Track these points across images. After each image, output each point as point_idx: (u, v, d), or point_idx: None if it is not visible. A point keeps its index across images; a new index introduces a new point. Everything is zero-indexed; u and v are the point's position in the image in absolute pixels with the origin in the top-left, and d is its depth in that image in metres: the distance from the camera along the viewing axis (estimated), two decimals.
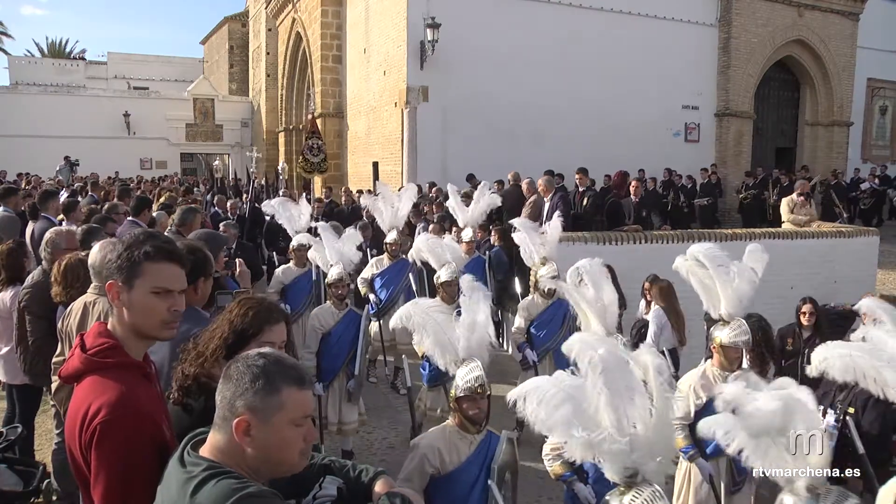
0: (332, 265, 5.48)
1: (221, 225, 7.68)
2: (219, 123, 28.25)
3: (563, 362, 5.23)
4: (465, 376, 3.04)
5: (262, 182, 16.82)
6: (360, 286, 7.06)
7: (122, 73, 34.55)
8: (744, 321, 3.86)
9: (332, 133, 18.28)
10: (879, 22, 19.57)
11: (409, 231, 9.03)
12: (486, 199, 7.80)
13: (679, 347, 5.71)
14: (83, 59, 39.27)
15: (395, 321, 3.56)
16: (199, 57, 38.22)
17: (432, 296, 6.82)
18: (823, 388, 4.49)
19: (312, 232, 6.91)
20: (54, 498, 4.19)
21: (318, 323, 5.19)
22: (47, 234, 4.36)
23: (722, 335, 3.84)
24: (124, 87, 31.75)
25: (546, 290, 5.66)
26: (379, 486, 1.88)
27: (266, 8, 24.99)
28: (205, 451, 1.55)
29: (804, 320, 5.43)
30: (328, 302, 5.39)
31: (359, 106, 17.46)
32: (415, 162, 14.21)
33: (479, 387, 3.00)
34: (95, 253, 3.24)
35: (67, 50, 43.20)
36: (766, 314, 5.04)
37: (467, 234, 7.49)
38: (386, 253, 7.16)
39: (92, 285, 3.28)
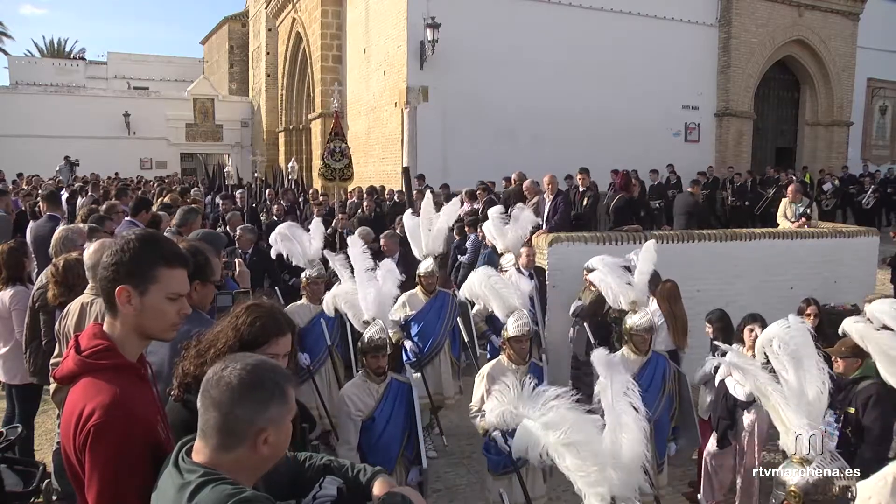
0: (365, 321, 4.11)
1: (238, 229, 7.36)
2: (219, 123, 28.25)
3: (663, 433, 4.56)
4: None
5: (262, 180, 16.83)
6: (389, 332, 5.71)
7: (122, 73, 34.57)
8: None
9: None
10: (879, 22, 19.57)
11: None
12: (525, 217, 6.71)
13: (680, 351, 5.69)
14: (83, 59, 39.27)
15: (522, 446, 2.43)
16: (199, 57, 38.23)
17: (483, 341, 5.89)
18: None
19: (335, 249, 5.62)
20: (54, 498, 4.19)
21: (353, 407, 3.85)
22: (59, 233, 4.34)
23: None
24: (124, 87, 31.76)
25: (640, 345, 4.48)
26: (378, 487, 1.88)
27: (266, 8, 25.00)
28: (196, 457, 1.56)
29: (811, 323, 5.43)
30: (359, 375, 4.03)
31: (359, 106, 17.46)
32: (415, 162, 14.21)
33: None
34: (93, 253, 3.21)
35: (67, 50, 43.22)
36: (766, 314, 5.03)
37: (508, 260, 6.42)
38: (419, 287, 5.76)
39: (89, 286, 3.27)
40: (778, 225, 9.27)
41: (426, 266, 5.80)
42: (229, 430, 1.52)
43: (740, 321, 5.05)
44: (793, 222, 8.97)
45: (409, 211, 6.76)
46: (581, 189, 9.94)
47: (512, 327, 4.21)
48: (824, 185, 16.69)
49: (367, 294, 4.23)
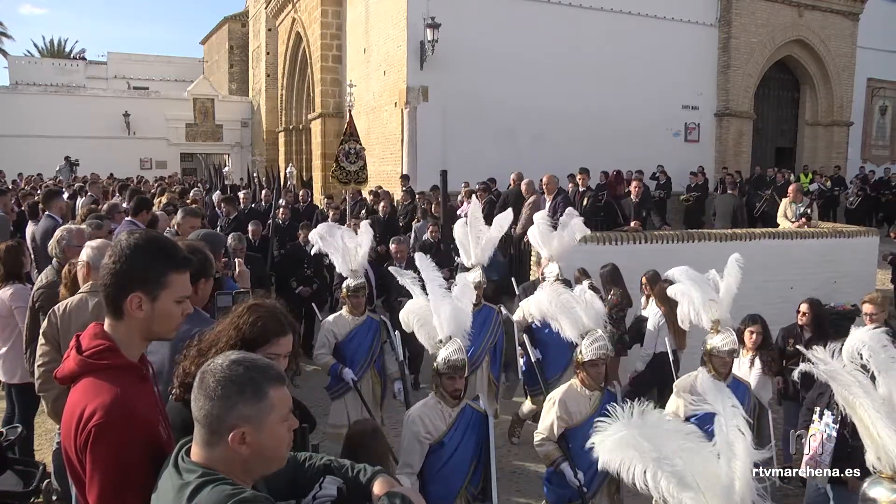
0: (441, 342, 3.72)
1: (230, 238, 7.20)
2: (219, 123, 28.25)
3: None
4: None
5: (261, 180, 16.83)
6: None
7: (122, 73, 34.56)
8: None
9: (332, 133, 18.29)
10: (879, 22, 19.56)
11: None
12: (574, 225, 6.12)
13: (679, 351, 5.70)
14: (83, 58, 39.29)
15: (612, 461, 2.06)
16: (199, 57, 38.22)
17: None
18: (819, 389, 4.48)
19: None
20: (54, 498, 4.19)
21: (423, 429, 3.55)
22: (58, 233, 4.35)
23: None
24: (124, 87, 31.77)
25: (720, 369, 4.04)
26: (378, 486, 1.88)
27: (266, 8, 24.98)
28: (193, 456, 1.57)
29: (800, 320, 5.45)
30: (432, 396, 3.70)
31: (359, 106, 17.45)
32: (415, 162, 14.21)
33: None
34: (97, 255, 3.24)
35: (67, 50, 43.23)
36: (766, 314, 5.05)
37: (552, 271, 5.82)
38: None
39: (90, 283, 3.28)
40: (778, 225, 9.29)
41: (474, 276, 5.45)
42: (207, 427, 1.53)
43: (740, 322, 5.06)
44: (793, 222, 8.98)
45: (461, 220, 6.26)
46: (581, 189, 9.97)
47: (587, 350, 3.86)
48: (811, 185, 16.70)
49: (442, 311, 3.78)
